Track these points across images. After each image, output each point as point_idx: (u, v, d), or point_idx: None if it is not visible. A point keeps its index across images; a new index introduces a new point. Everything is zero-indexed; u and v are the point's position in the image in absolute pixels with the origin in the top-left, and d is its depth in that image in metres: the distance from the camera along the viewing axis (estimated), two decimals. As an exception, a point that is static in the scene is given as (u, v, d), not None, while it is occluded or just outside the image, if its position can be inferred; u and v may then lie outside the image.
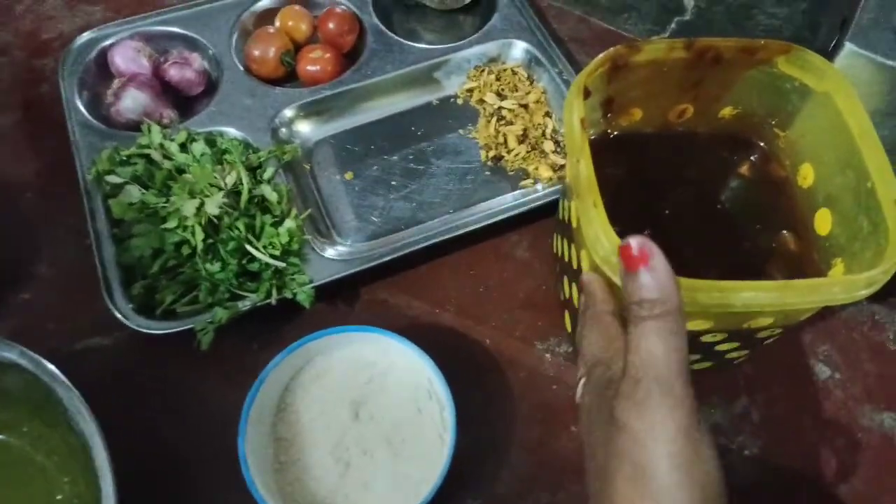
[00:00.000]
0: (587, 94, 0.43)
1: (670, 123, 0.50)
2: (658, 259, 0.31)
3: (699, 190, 0.51)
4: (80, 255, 0.57)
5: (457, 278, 0.57)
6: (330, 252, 0.55)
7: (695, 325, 0.40)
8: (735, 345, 0.46)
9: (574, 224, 0.43)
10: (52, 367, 0.41)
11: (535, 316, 0.56)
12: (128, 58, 0.62)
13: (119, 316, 0.50)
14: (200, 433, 0.50)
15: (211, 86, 0.65)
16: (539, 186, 0.61)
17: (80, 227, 0.58)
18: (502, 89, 0.66)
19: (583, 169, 0.38)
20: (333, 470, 0.46)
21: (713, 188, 0.51)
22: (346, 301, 0.56)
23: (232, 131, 0.60)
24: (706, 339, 0.42)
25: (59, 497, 0.45)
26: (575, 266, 0.45)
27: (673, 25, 0.74)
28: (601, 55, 0.42)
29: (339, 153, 0.63)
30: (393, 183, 0.61)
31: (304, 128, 0.63)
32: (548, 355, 0.54)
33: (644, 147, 0.50)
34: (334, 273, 0.54)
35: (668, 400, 0.29)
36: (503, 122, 0.64)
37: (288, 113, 0.62)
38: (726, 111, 0.49)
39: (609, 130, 0.50)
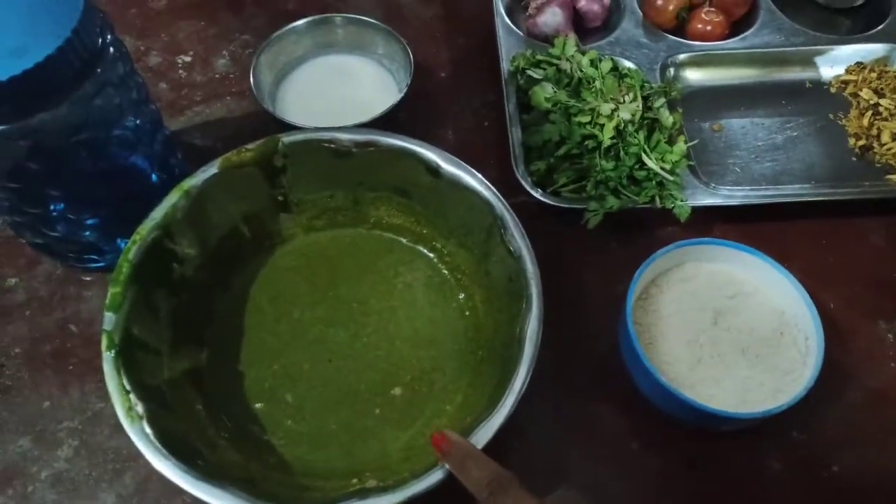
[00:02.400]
0: None
1: None
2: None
3: None
4: (477, 130, 0.67)
5: (808, 243, 0.60)
6: (694, 182, 0.60)
7: None
8: None
9: None
10: (502, 200, 0.50)
11: (882, 296, 0.57)
12: (549, -19, 0.71)
13: (525, 185, 0.58)
14: (574, 296, 0.57)
15: (605, 24, 0.73)
16: (906, 183, 0.62)
17: (477, 107, 0.68)
18: (881, 88, 0.67)
19: None
20: (685, 361, 0.51)
21: None
22: (699, 232, 0.60)
23: (625, 62, 0.67)
24: None
25: (453, 305, 0.54)
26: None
27: None
28: None
29: (710, 105, 0.68)
30: (758, 144, 0.65)
31: (686, 74, 0.69)
32: (890, 335, 0.56)
33: None
34: (699, 201, 0.59)
35: None
36: (878, 117, 0.65)
37: (680, 58, 0.68)
38: None
39: None
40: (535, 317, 0.46)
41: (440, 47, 0.73)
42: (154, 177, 0.58)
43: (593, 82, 0.62)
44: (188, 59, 0.72)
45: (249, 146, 0.52)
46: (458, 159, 0.52)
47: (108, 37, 0.49)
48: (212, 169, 0.51)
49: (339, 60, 0.68)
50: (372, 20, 0.66)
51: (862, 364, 0.55)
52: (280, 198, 0.55)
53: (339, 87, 0.66)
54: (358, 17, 0.67)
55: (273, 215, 0.56)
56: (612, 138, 0.58)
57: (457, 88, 0.70)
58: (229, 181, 0.52)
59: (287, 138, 0.53)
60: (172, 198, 0.50)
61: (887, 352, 0.55)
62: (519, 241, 0.49)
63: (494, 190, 0.51)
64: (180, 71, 0.71)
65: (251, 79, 0.62)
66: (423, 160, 0.52)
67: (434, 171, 0.52)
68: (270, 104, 0.64)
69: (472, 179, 0.51)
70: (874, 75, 0.68)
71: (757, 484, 0.50)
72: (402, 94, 0.62)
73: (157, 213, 0.49)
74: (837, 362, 0.54)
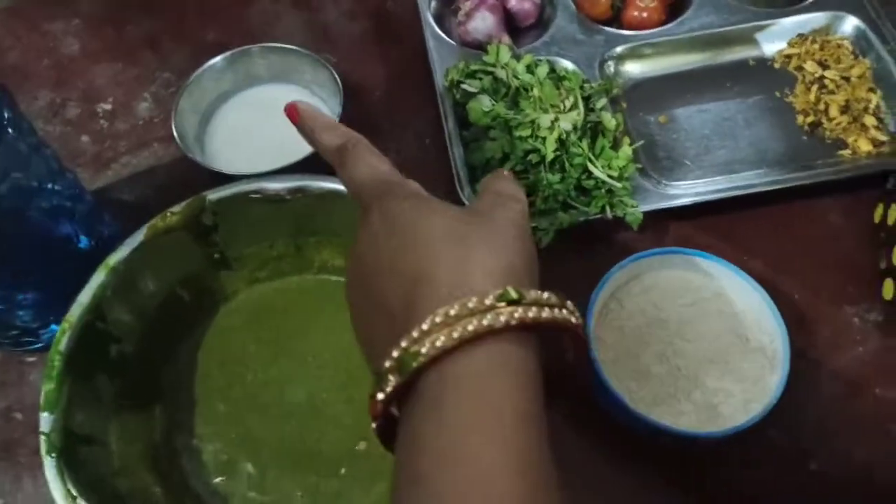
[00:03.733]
0: None
1: None
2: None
3: None
4: (419, 150, 0.64)
5: (765, 231, 0.59)
6: (645, 184, 0.59)
7: None
8: None
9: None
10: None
11: (845, 280, 0.56)
12: (477, -17, 0.68)
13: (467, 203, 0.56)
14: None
15: (539, 21, 0.70)
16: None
17: (418, 126, 0.66)
18: (825, 59, 0.66)
19: None
20: (654, 377, 0.49)
21: None
22: (655, 233, 0.59)
23: (563, 62, 0.65)
24: None
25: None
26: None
27: None
28: None
29: (655, 96, 0.66)
30: (706, 132, 0.63)
31: (626, 68, 0.67)
32: (856, 319, 0.55)
33: None
34: (651, 204, 0.57)
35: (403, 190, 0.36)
36: (824, 90, 0.64)
37: (617, 51, 0.66)
38: None
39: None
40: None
41: (374, 65, 0.70)
42: (82, 243, 0.55)
43: (531, 90, 0.60)
44: (108, 106, 0.69)
45: (174, 209, 0.49)
46: (396, 195, 0.50)
47: (6, 115, 0.45)
48: (137, 238, 0.49)
49: (265, 93, 0.65)
50: (293, 47, 0.63)
51: (831, 353, 0.54)
52: (216, 255, 0.53)
53: (270, 122, 0.62)
54: (278, 45, 0.63)
55: (212, 274, 0.53)
56: (555, 151, 0.56)
57: (394, 108, 0.67)
58: (158, 248, 0.49)
59: (213, 195, 0.50)
60: (99, 277, 0.47)
61: (854, 336, 0.54)
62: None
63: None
64: (101, 121, 0.68)
65: (173, 129, 0.59)
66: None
67: (372, 210, 0.50)
68: (198, 150, 0.61)
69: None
70: (816, 46, 0.67)
71: (739, 490, 0.49)
72: (334, 125, 0.59)
73: (85, 297, 0.46)
74: (806, 355, 0.53)
